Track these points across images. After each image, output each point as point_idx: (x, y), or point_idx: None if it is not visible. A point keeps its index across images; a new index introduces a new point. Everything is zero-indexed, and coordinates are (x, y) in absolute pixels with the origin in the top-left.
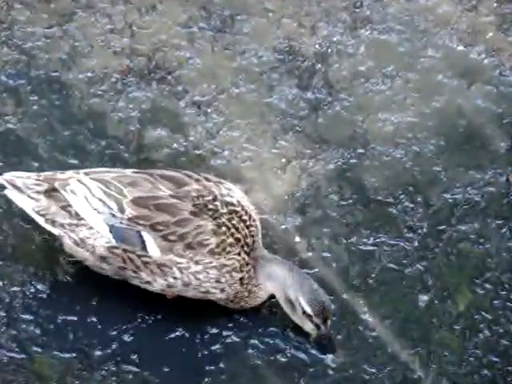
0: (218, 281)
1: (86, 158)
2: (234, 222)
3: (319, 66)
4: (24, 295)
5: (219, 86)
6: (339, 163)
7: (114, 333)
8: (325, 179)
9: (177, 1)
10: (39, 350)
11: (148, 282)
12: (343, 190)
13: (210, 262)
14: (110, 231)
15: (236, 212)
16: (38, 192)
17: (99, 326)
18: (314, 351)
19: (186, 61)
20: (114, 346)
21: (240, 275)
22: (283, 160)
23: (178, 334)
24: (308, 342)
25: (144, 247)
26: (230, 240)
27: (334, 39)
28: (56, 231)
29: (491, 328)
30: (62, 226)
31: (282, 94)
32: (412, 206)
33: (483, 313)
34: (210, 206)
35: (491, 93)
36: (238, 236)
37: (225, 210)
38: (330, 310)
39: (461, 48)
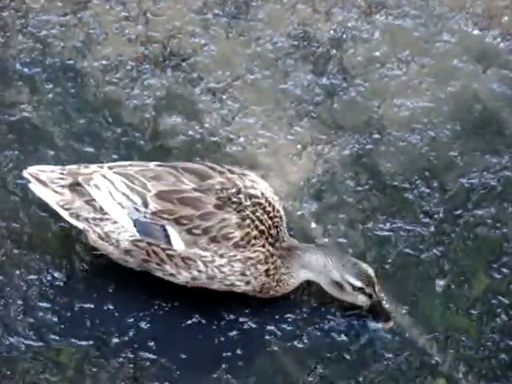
0: (243, 274)
1: (102, 145)
2: (257, 214)
3: (334, 51)
4: (41, 283)
5: (234, 72)
6: (355, 149)
7: (131, 320)
8: (340, 165)
9: None
10: (56, 337)
11: (172, 275)
12: (359, 176)
13: (235, 255)
14: (134, 225)
15: (260, 204)
16: (62, 186)
17: (116, 314)
18: (332, 335)
19: (201, 47)
20: (130, 334)
21: (265, 267)
22: (298, 146)
23: (194, 320)
24: (323, 327)
25: (168, 241)
26: (255, 232)
27: (349, 25)
28: (80, 225)
29: (508, 312)
30: (86, 220)
31: (297, 80)
32: (428, 191)
33: (500, 297)
34: (234, 199)
35: (507, 77)
36: (262, 228)
37: (248, 203)
38: (375, 278)
39: (476, 32)
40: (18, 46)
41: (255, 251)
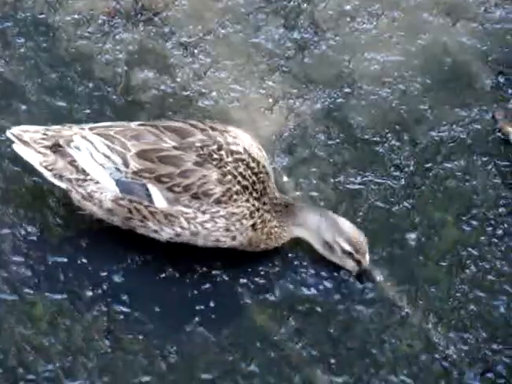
0: (227, 229)
1: (74, 100)
2: (240, 170)
3: (305, 5)
4: (14, 237)
5: (206, 26)
6: (326, 103)
7: (105, 274)
8: (312, 119)
9: None
10: (30, 291)
11: (155, 231)
12: (330, 130)
13: (217, 211)
14: (117, 185)
15: (242, 160)
16: (45, 147)
17: (89, 268)
18: (302, 289)
19: (173, 2)
20: (104, 287)
21: (251, 222)
22: (270, 100)
23: (167, 274)
24: (295, 280)
25: (150, 199)
26: (237, 187)
27: None
28: (64, 185)
29: (477, 264)
30: (69, 180)
31: (268, 35)
32: (398, 144)
33: (470, 249)
34: (215, 156)
35: (476, 30)
36: (246, 183)
37: (230, 159)
38: (367, 245)
39: None
40: None
41: (239, 206)
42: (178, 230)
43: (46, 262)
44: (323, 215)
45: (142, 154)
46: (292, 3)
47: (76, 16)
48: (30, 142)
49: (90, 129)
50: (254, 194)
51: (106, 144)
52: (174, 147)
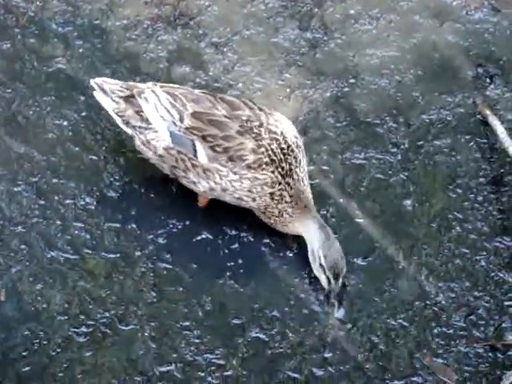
0: (249, 190)
1: None
2: (272, 146)
3: (316, 10)
4: (75, 207)
5: (233, 29)
6: (334, 91)
7: (151, 236)
8: (322, 105)
9: None
10: (89, 251)
11: (194, 183)
12: (338, 114)
13: (245, 174)
14: (170, 136)
15: (276, 140)
16: (119, 97)
17: (138, 232)
18: None
19: (206, 8)
20: (150, 248)
21: (270, 190)
22: (287, 90)
23: (203, 236)
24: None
25: (195, 153)
26: (266, 160)
27: None
28: (129, 131)
29: (462, 225)
30: (134, 127)
31: (285, 35)
32: (395, 125)
33: (455, 213)
34: (255, 130)
35: (460, 30)
36: (274, 158)
37: (267, 136)
38: (342, 272)
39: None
40: (53, 9)
41: (263, 174)
42: (213, 184)
43: (102, 227)
44: (323, 230)
45: (196, 115)
46: (305, 8)
47: (125, 21)
48: (108, 92)
49: (161, 86)
50: (279, 170)
51: (169, 100)
52: (224, 115)
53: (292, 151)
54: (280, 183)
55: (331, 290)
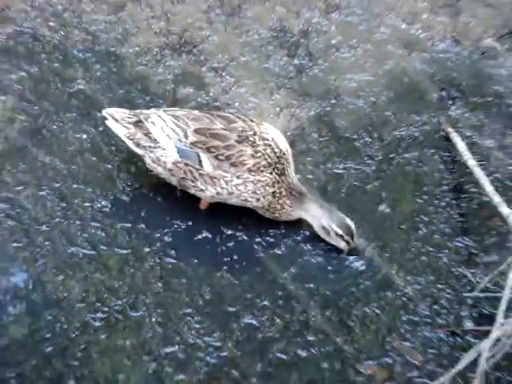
0: (254, 192)
1: (136, 109)
2: (267, 151)
3: (302, 40)
4: (92, 209)
5: (230, 56)
6: (318, 111)
7: (158, 235)
8: (307, 122)
9: None
10: (104, 247)
11: (202, 190)
12: (321, 130)
13: (248, 178)
14: (177, 152)
15: (269, 145)
16: (129, 123)
17: (147, 231)
18: (301, 245)
19: (207, 38)
20: (157, 245)
21: (272, 189)
22: (277, 109)
23: (203, 235)
24: (296, 240)
25: (201, 164)
26: (264, 163)
27: (313, 21)
28: (140, 152)
29: (427, 227)
30: (144, 147)
31: (275, 61)
32: (370, 140)
33: (422, 216)
34: (251, 138)
35: (426, 58)
36: (270, 161)
37: (261, 143)
38: (354, 230)
39: (404, 26)
40: (75, 38)
41: (264, 176)
42: (219, 189)
43: (115, 226)
44: (324, 207)
45: (198, 131)
46: (293, 39)
47: (137, 48)
48: (118, 119)
49: (164, 111)
50: (276, 171)
51: (173, 121)
52: (222, 128)
53: (284, 154)
54: (278, 182)
55: (354, 247)
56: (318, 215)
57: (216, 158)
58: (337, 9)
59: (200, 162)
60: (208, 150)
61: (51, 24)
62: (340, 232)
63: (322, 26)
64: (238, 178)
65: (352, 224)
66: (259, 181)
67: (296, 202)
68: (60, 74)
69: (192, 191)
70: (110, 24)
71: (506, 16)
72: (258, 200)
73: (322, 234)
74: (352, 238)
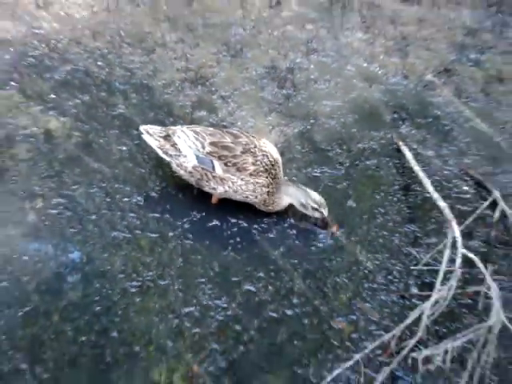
0: (253, 191)
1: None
2: (265, 160)
3: (289, 75)
4: (130, 203)
5: (234, 87)
6: (301, 129)
7: (179, 223)
8: (293, 137)
9: (210, 41)
10: (139, 232)
11: (214, 188)
12: (303, 143)
13: (249, 180)
14: (196, 159)
15: (266, 156)
16: (160, 136)
17: (171, 219)
18: (288, 231)
19: (216, 74)
20: (179, 230)
21: (267, 189)
22: (270, 127)
23: (213, 223)
24: (283, 226)
25: (213, 168)
26: (261, 169)
27: (297, 61)
28: (168, 159)
29: (383, 217)
30: (170, 155)
31: (268, 91)
32: (340, 151)
33: (379, 208)
34: (252, 150)
35: (382, 89)
36: (266, 168)
37: (260, 154)
38: (325, 202)
39: (365, 65)
40: (116, 74)
41: (261, 179)
42: (227, 188)
43: (147, 216)
44: (298, 187)
45: (212, 143)
46: (281, 74)
47: (163, 81)
48: (152, 134)
49: (187, 127)
50: (270, 175)
51: (194, 135)
52: (230, 142)
53: (276, 162)
54: (271, 183)
55: (325, 216)
56: (296, 195)
57: (225, 164)
58: (315, 52)
59: (213, 167)
60: (219, 158)
61: (99, 63)
62: (315, 206)
63: (303, 64)
64: (241, 180)
65: (322, 199)
66: (257, 182)
67: (279, 193)
68: (105, 101)
69: (206, 189)
70: (144, 63)
71: (442, 58)
72: (256, 197)
73: (302, 209)
74: (324, 208)
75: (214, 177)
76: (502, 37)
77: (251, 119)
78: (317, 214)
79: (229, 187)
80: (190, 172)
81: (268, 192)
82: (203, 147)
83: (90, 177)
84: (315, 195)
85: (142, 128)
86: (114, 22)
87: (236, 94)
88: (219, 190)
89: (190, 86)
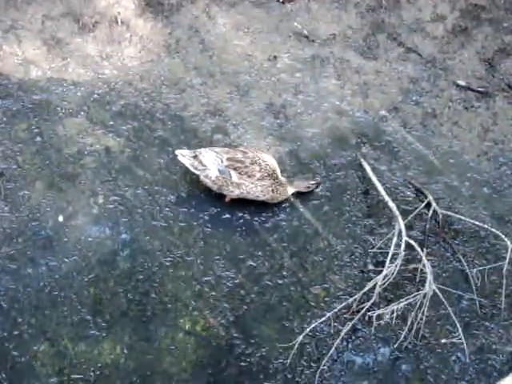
0: (262, 191)
1: (190, 146)
2: (267, 168)
3: (282, 109)
4: (166, 200)
5: (242, 117)
6: (290, 148)
7: (201, 215)
8: (284, 155)
9: (225, 84)
10: (172, 221)
11: (231, 191)
12: (291, 159)
13: (257, 183)
14: (218, 171)
15: (268, 165)
16: (190, 156)
17: (195, 212)
18: (281, 223)
19: (229, 108)
20: (201, 221)
21: (271, 188)
22: (268, 147)
23: (226, 216)
24: (277, 218)
25: (231, 177)
26: (266, 174)
27: (288, 99)
28: (197, 172)
29: (349, 213)
30: (199, 170)
31: (266, 121)
32: (318, 165)
33: (346, 207)
34: (258, 161)
35: (349, 120)
36: (269, 173)
37: (263, 163)
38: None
39: (337, 103)
40: (157, 107)
41: (266, 182)
42: (242, 190)
43: (178, 210)
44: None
45: (228, 158)
46: (277, 109)
47: (191, 113)
48: (185, 155)
49: (209, 148)
50: (273, 178)
51: (215, 154)
52: (242, 157)
53: (275, 169)
54: (274, 184)
55: (313, 184)
56: (298, 186)
57: (239, 173)
58: (301, 93)
59: (230, 175)
60: (235, 169)
61: (145, 99)
62: (310, 184)
63: (293, 102)
64: (251, 183)
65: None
66: (264, 185)
67: (284, 185)
68: (149, 127)
69: (225, 192)
70: (177, 99)
71: (393, 99)
72: (264, 195)
73: (304, 190)
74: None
75: (231, 183)
76: (435, 84)
77: (254, 141)
78: (313, 187)
79: (243, 190)
80: (214, 181)
81: (272, 190)
82: (222, 162)
83: (136, 181)
84: (301, 179)
85: (178, 152)
86: (156, 69)
87: (243, 123)
88: (236, 193)
89: (210, 116)
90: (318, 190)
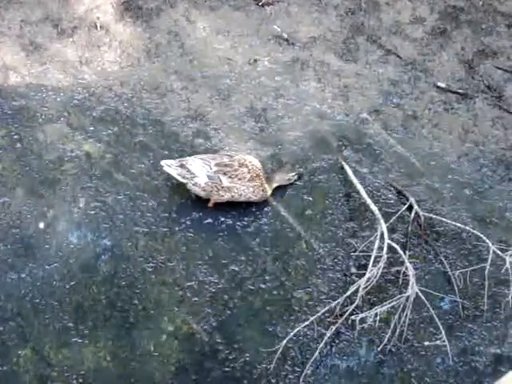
0: (253, 192)
1: (172, 150)
2: (255, 169)
3: (262, 113)
4: (147, 205)
5: (223, 121)
6: (271, 152)
7: (183, 220)
8: (266, 158)
9: (206, 88)
10: (154, 227)
11: (222, 196)
12: (273, 163)
13: (248, 185)
14: (207, 177)
15: (255, 167)
16: (177, 166)
17: (177, 218)
18: (263, 227)
19: (210, 112)
20: (183, 226)
21: (261, 188)
22: (249, 151)
23: (208, 221)
24: (259, 222)
25: (221, 181)
26: (254, 175)
27: (269, 103)
28: (184, 181)
29: (331, 216)
30: (187, 178)
31: (248, 125)
32: (300, 169)
33: (329, 210)
34: (245, 163)
35: (331, 124)
36: (257, 174)
37: (250, 166)
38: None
39: (318, 106)
40: (137, 112)
41: (255, 182)
42: (232, 194)
43: (160, 215)
44: (277, 173)
45: (216, 164)
46: (257, 113)
47: (172, 117)
48: (170, 165)
49: (195, 157)
50: (261, 179)
51: (202, 161)
52: (228, 161)
53: (261, 169)
54: (262, 184)
55: (294, 177)
56: (281, 181)
57: (230, 177)
58: (282, 96)
59: (220, 181)
60: (224, 173)
61: (125, 104)
62: (290, 177)
63: (273, 105)
64: (243, 185)
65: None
66: (255, 185)
67: (269, 182)
68: (129, 132)
69: (215, 198)
70: (157, 104)
71: (373, 101)
72: (255, 196)
73: (285, 183)
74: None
75: (222, 187)
76: (415, 86)
77: (236, 145)
78: (295, 178)
79: (234, 193)
80: (203, 187)
81: (262, 190)
82: (211, 168)
83: (118, 187)
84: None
85: (163, 162)
86: (137, 74)
87: (224, 127)
88: (226, 197)
89: (191, 120)
90: (300, 194)
